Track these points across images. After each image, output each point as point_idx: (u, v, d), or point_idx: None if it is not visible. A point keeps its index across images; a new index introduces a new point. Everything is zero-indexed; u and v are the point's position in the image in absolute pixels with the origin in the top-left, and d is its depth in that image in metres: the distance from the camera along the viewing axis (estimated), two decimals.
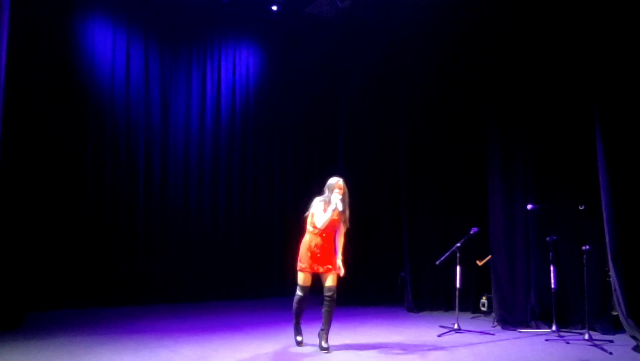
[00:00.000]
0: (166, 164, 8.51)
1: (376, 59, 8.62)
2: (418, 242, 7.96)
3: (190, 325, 6.51)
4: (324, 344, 5.20)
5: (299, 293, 5.31)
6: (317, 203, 5.34)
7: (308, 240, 5.31)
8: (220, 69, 9.07)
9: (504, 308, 6.67)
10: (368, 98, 8.76)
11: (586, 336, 5.63)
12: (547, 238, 6.19)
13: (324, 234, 5.28)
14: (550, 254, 6.17)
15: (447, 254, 6.52)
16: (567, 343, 5.66)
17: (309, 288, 5.31)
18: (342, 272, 5.37)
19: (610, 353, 5.19)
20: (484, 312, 7.48)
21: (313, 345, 5.38)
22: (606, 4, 5.86)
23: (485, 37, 7.25)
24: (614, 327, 6.02)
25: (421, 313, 7.68)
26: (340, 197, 5.24)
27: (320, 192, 5.44)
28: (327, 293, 5.22)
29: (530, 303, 6.63)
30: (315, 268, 5.25)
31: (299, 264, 5.32)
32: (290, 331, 5.54)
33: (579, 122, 6.38)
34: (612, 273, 5.70)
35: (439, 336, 6.08)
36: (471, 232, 6.55)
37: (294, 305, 5.36)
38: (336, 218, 5.29)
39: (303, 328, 5.52)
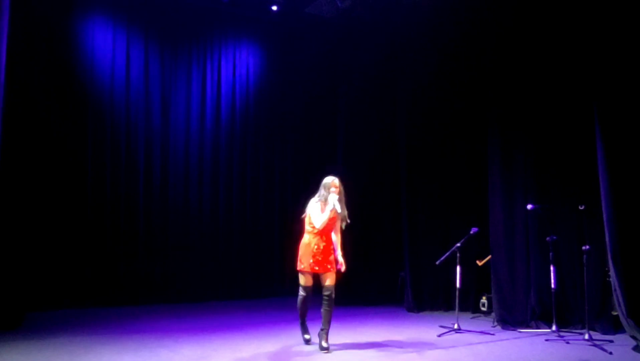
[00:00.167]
0: (166, 164, 8.52)
1: (376, 59, 8.62)
2: (418, 242, 7.96)
3: (190, 325, 6.51)
4: (324, 344, 5.21)
5: (301, 293, 5.34)
6: (313, 204, 5.36)
7: (307, 241, 5.32)
8: (220, 69, 9.08)
9: (504, 308, 6.67)
10: (368, 98, 8.76)
11: (586, 336, 5.63)
12: (547, 238, 6.19)
13: (322, 234, 5.30)
14: (550, 254, 6.17)
15: (447, 254, 6.52)
16: (567, 343, 5.66)
17: (310, 287, 5.34)
18: (343, 267, 5.40)
19: (610, 353, 5.19)
20: (484, 312, 7.47)
21: (313, 345, 5.39)
22: (606, 4, 5.86)
23: (485, 37, 7.24)
24: (614, 327, 6.02)
25: (421, 313, 7.68)
26: (337, 197, 5.26)
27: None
28: (325, 293, 5.24)
29: (530, 303, 6.63)
30: (315, 268, 5.26)
31: (299, 266, 5.33)
32: (290, 331, 5.56)
33: (579, 122, 6.37)
34: (612, 273, 5.70)
35: (439, 336, 6.08)
36: (471, 232, 6.55)
37: (299, 305, 5.40)
38: (333, 216, 5.31)
39: None
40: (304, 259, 5.28)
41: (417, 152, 8.12)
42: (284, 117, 9.57)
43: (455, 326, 6.31)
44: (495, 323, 6.67)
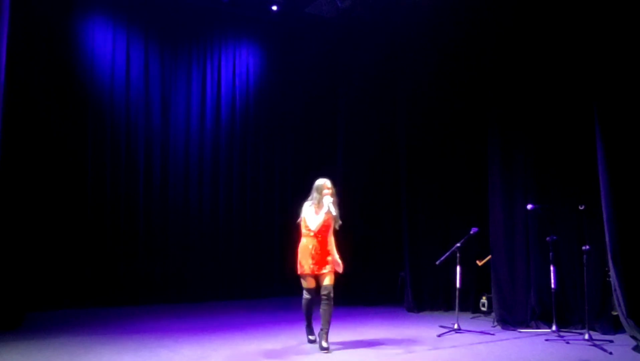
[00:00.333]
0: (166, 164, 8.52)
1: (376, 59, 8.62)
2: (418, 242, 7.96)
3: (190, 325, 6.51)
4: (324, 344, 5.20)
5: (306, 295, 5.37)
6: (307, 208, 5.38)
7: (306, 243, 5.34)
8: (220, 69, 9.08)
9: (504, 308, 6.67)
10: (368, 98, 8.76)
11: (586, 336, 5.62)
12: (547, 238, 6.19)
13: (319, 236, 5.32)
14: (550, 254, 6.16)
15: (447, 254, 6.52)
16: (567, 343, 5.66)
17: (314, 289, 5.37)
18: (341, 268, 5.42)
19: (610, 353, 5.19)
20: (484, 312, 7.47)
21: (313, 345, 5.39)
22: (606, 4, 5.86)
23: (485, 37, 7.24)
24: (614, 327, 6.02)
25: (421, 313, 7.68)
26: (331, 199, 5.28)
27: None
28: (323, 292, 5.24)
29: (530, 303, 6.62)
30: (315, 270, 5.27)
31: (300, 269, 5.35)
32: (290, 331, 5.57)
33: (579, 122, 6.37)
34: (612, 273, 5.69)
35: (439, 336, 6.08)
36: (471, 232, 6.55)
37: (303, 307, 5.43)
38: (329, 217, 5.33)
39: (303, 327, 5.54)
40: (304, 262, 5.30)
41: (417, 152, 8.11)
42: (284, 117, 9.58)
43: (455, 326, 6.31)
44: (495, 323, 6.67)
